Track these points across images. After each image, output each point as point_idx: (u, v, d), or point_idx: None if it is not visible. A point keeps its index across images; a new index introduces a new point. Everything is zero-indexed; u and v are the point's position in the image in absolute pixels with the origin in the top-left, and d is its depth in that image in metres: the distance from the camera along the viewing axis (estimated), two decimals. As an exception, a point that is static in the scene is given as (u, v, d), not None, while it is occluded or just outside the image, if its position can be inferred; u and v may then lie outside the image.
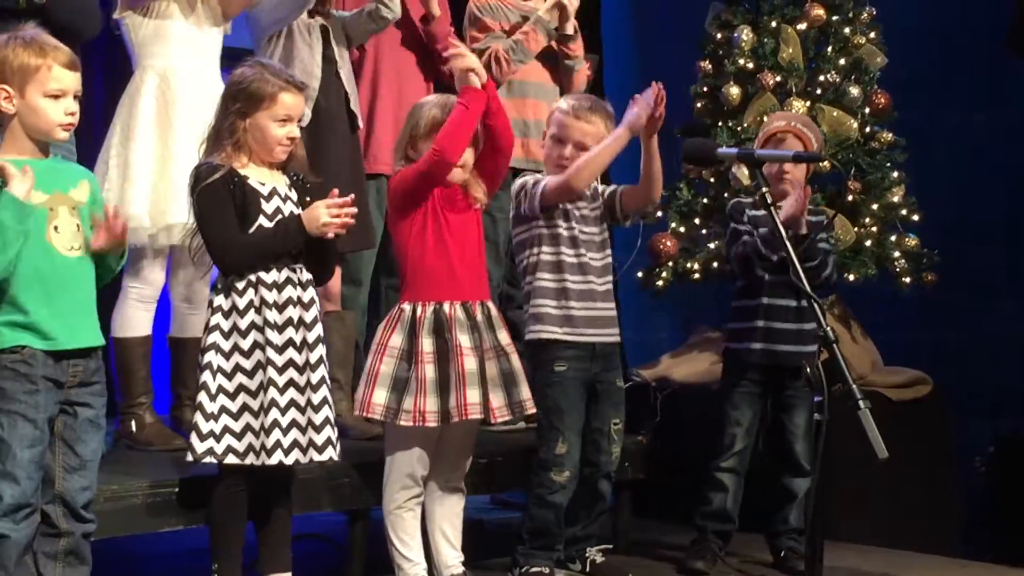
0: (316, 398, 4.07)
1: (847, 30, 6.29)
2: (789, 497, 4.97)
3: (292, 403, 4.04)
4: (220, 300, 4.07)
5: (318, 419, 4.06)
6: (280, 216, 4.09)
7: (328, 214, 4.04)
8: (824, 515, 3.49)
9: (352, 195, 4.14)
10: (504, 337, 4.45)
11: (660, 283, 6.27)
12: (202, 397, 4.00)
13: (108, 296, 4.29)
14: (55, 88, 3.66)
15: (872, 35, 6.32)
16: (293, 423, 4.03)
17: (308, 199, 4.19)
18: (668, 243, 6.25)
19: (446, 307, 4.35)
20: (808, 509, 4.84)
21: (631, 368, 5.66)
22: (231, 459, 3.99)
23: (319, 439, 4.05)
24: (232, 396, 4.03)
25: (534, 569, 4.64)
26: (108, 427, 4.11)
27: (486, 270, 4.59)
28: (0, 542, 3.59)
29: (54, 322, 3.65)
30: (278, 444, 3.99)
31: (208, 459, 3.98)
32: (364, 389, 4.35)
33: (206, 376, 4.02)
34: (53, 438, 3.71)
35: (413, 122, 4.45)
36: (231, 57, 4.96)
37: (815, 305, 3.50)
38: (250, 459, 4.00)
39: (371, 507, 4.68)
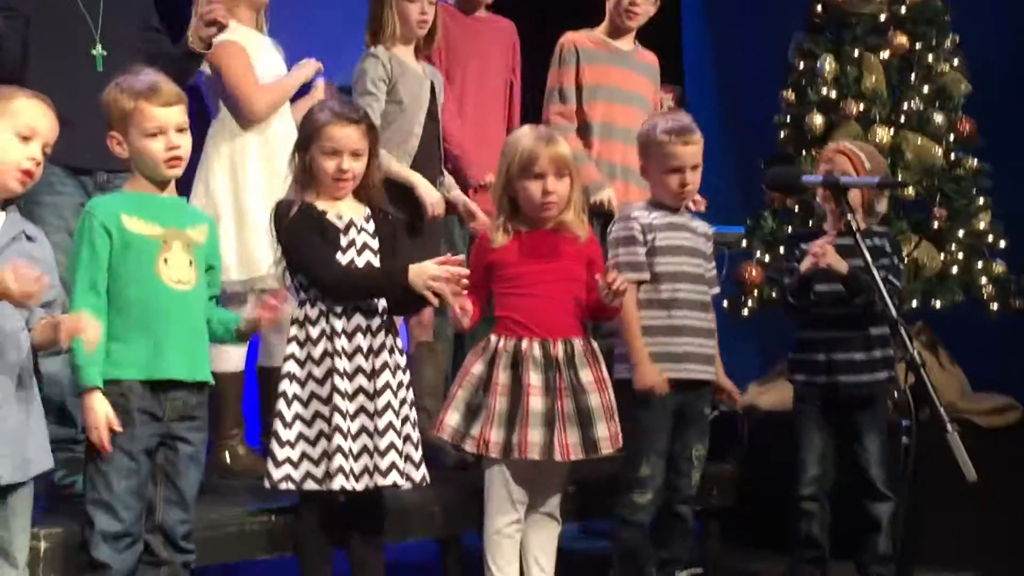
0: (381, 424, 4.09)
1: (931, 57, 6.29)
2: (873, 524, 4.95)
3: (362, 429, 4.08)
4: (295, 331, 4.13)
5: (383, 444, 4.08)
6: (354, 246, 4.15)
7: (440, 273, 4.04)
8: (912, 541, 3.49)
9: (461, 256, 4.19)
10: (587, 375, 4.40)
11: (746, 312, 6.29)
12: (277, 425, 4.07)
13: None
14: (152, 127, 3.74)
15: (956, 62, 6.32)
16: (363, 448, 4.07)
17: (385, 231, 4.24)
18: (753, 272, 6.27)
19: (524, 344, 4.36)
20: (895, 534, 4.84)
21: (717, 397, 5.67)
22: (310, 485, 4.04)
23: (383, 464, 4.07)
24: (308, 423, 4.08)
25: (627, 594, 4.69)
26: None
27: (580, 308, 4.48)
28: (103, 570, 3.67)
29: (153, 353, 3.71)
30: (340, 469, 4.00)
31: (285, 485, 4.05)
32: (443, 410, 4.42)
33: (281, 404, 4.09)
34: (155, 470, 3.80)
35: (508, 160, 4.43)
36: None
37: (902, 330, 3.51)
38: (325, 484, 4.03)
39: (462, 533, 4.74)
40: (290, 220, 4.10)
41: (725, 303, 6.26)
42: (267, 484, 4.07)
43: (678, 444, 4.76)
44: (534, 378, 4.34)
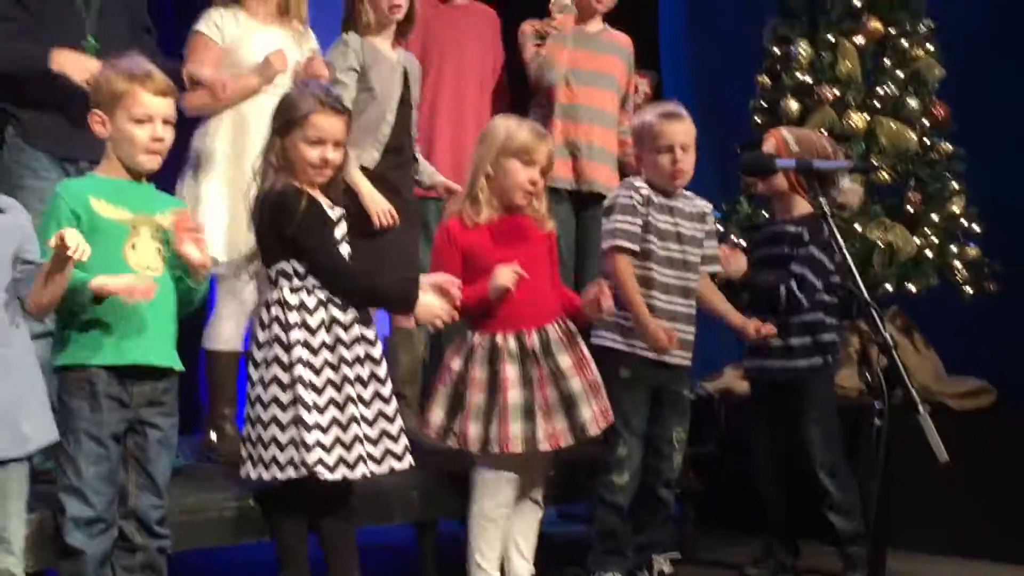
0: (369, 413, 4.12)
1: (905, 42, 6.31)
2: (825, 506, 5.01)
3: (363, 417, 4.10)
4: (279, 313, 4.08)
5: (374, 433, 4.11)
6: (344, 240, 4.16)
7: (443, 315, 4.14)
8: (885, 523, 3.51)
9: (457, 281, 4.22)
10: (564, 360, 4.42)
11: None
12: (297, 411, 4.02)
13: (201, 310, 4.41)
14: (140, 113, 3.74)
15: (930, 47, 6.34)
16: (337, 440, 4.04)
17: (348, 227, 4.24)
18: (729, 257, 6.28)
19: (498, 339, 4.38)
20: (846, 512, 4.90)
21: (695, 381, 5.69)
22: (279, 474, 4.03)
23: (376, 452, 4.11)
24: (322, 411, 4.04)
25: (607, 575, 4.70)
26: (191, 438, 4.19)
27: (551, 294, 4.54)
28: (77, 556, 3.68)
29: (120, 340, 3.70)
30: (320, 460, 3.99)
31: (258, 474, 4.06)
32: (427, 408, 4.45)
33: (258, 390, 4.08)
34: (126, 456, 3.80)
35: (494, 143, 4.44)
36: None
37: (873, 312, 3.53)
38: (290, 472, 4.01)
39: (439, 519, 4.76)
40: (303, 213, 4.03)
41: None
42: (243, 473, 4.08)
43: (658, 427, 4.79)
44: (510, 371, 4.36)
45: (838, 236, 3.60)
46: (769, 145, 5.07)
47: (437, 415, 4.42)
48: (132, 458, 3.81)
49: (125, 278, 3.61)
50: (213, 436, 4.83)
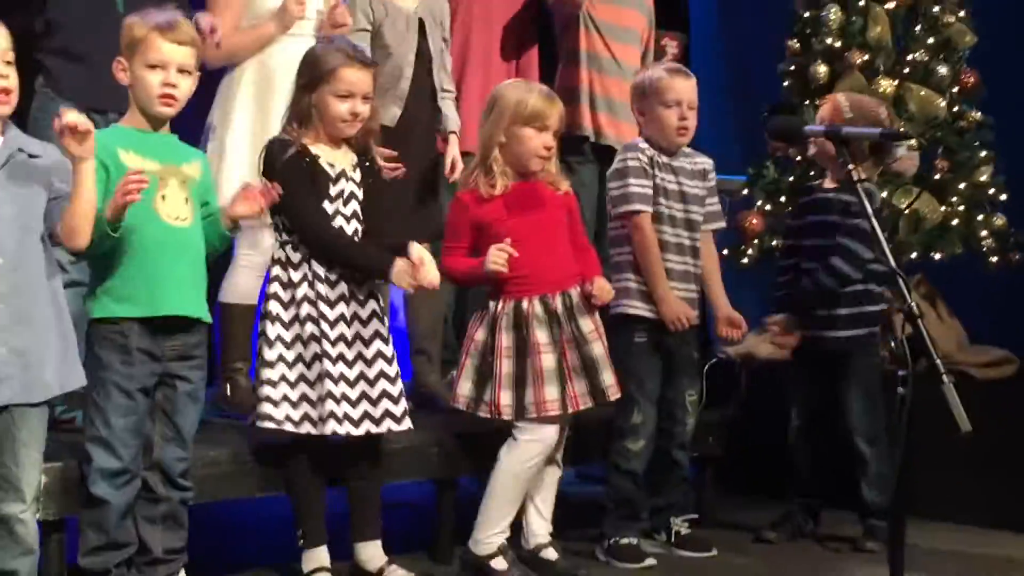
0: (371, 372, 4.14)
1: (936, 8, 6.25)
2: (859, 474, 5.01)
3: (342, 376, 4.11)
4: (276, 270, 4.16)
5: (374, 392, 4.14)
6: (342, 196, 4.16)
7: (415, 283, 4.11)
8: (907, 492, 3.50)
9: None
10: (587, 324, 4.43)
11: (746, 260, 6.30)
12: (260, 366, 4.11)
13: (221, 262, 4.42)
14: (155, 59, 3.74)
15: (961, 13, 6.29)
16: (344, 396, 4.09)
17: (371, 182, 4.24)
18: (754, 221, 6.28)
19: (524, 304, 4.37)
20: (889, 485, 4.89)
21: (716, 344, 5.68)
22: (288, 427, 4.08)
23: (376, 412, 4.13)
24: (290, 366, 4.11)
25: (623, 540, 4.72)
26: (209, 390, 4.21)
27: (572, 257, 4.53)
28: (101, 506, 3.72)
29: (152, 290, 3.73)
30: (332, 414, 4.05)
31: (266, 424, 4.08)
32: (455, 381, 4.46)
33: (263, 345, 4.12)
34: (153, 408, 3.82)
35: (506, 110, 4.40)
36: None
37: (900, 280, 3.51)
38: (306, 428, 4.09)
39: (459, 476, 4.77)
40: (284, 163, 4.10)
41: (725, 251, 6.26)
42: (249, 420, 4.11)
43: (671, 390, 4.81)
44: (540, 335, 4.35)
45: (867, 203, 3.57)
46: (825, 110, 5.03)
47: (465, 387, 4.41)
48: (160, 410, 3.84)
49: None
50: (228, 388, 4.85)
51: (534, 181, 4.45)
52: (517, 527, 4.54)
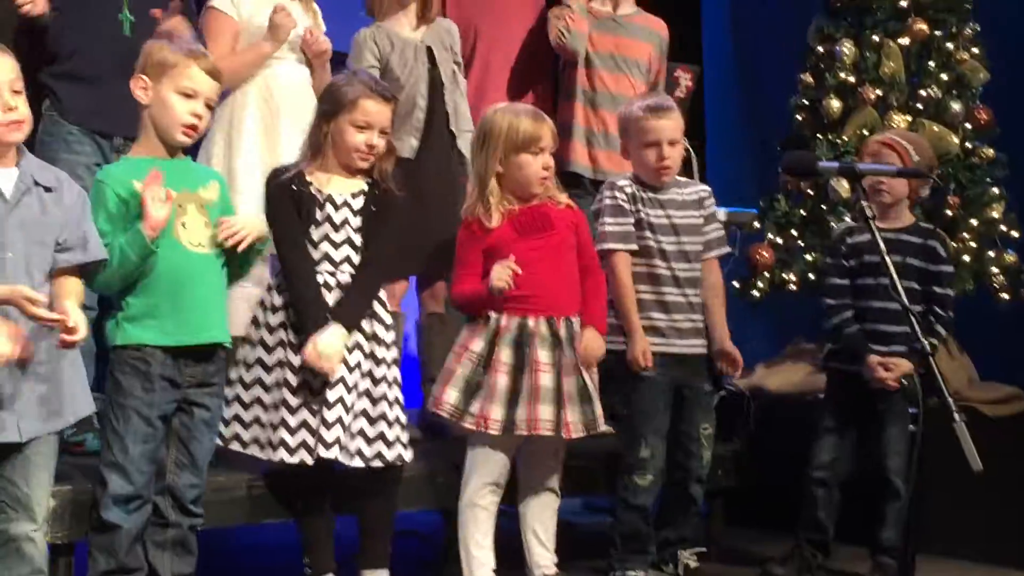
0: (331, 396, 4.07)
1: (950, 45, 6.27)
2: (881, 513, 4.99)
3: (304, 404, 4.08)
4: (265, 295, 4.21)
5: (331, 417, 4.05)
6: (330, 222, 4.15)
7: (327, 369, 4.02)
8: (918, 529, 3.50)
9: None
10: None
11: (756, 293, 6.29)
12: (234, 386, 4.15)
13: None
14: (188, 87, 3.76)
15: (975, 50, 6.30)
16: (303, 423, 4.06)
17: (375, 209, 4.21)
18: (765, 254, 6.27)
19: (530, 322, 4.37)
20: (902, 521, 4.86)
21: (726, 377, 5.68)
22: (253, 451, 4.11)
23: (328, 437, 4.03)
24: (267, 390, 4.12)
25: (629, 573, 4.70)
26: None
27: (577, 282, 4.52)
28: (112, 531, 3.72)
29: (175, 317, 3.75)
30: (283, 442, 4.03)
31: (233, 445, 4.11)
32: (439, 386, 4.40)
33: (239, 367, 4.16)
34: (169, 434, 3.83)
35: (500, 137, 4.38)
36: (338, 62, 5.04)
37: (912, 318, 3.52)
38: (253, 450, 4.12)
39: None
40: (271, 189, 4.16)
41: (736, 284, 6.27)
42: (218, 441, 4.10)
43: (684, 424, 4.79)
44: (543, 355, 4.35)
45: (880, 240, 3.59)
46: (892, 158, 4.93)
47: (451, 395, 4.36)
48: (175, 436, 3.86)
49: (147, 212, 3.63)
50: None
51: (538, 203, 4.46)
52: (519, 559, 4.53)
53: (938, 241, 5.01)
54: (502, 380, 4.33)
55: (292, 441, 4.04)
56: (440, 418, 4.45)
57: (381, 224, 4.22)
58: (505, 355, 4.35)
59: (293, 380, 4.08)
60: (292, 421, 4.05)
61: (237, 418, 4.13)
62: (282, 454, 4.03)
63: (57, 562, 3.78)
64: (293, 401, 4.06)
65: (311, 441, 4.04)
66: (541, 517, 4.55)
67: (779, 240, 6.33)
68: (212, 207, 3.88)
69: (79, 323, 3.39)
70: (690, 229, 4.80)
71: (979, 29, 6.35)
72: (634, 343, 4.65)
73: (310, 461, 4.04)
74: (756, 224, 6.41)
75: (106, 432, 3.76)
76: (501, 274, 4.26)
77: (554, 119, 4.78)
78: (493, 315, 4.37)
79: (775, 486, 5.26)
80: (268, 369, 4.13)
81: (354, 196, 4.20)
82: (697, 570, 4.91)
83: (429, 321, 5.26)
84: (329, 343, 4.01)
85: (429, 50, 5.16)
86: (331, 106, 4.17)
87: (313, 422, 4.05)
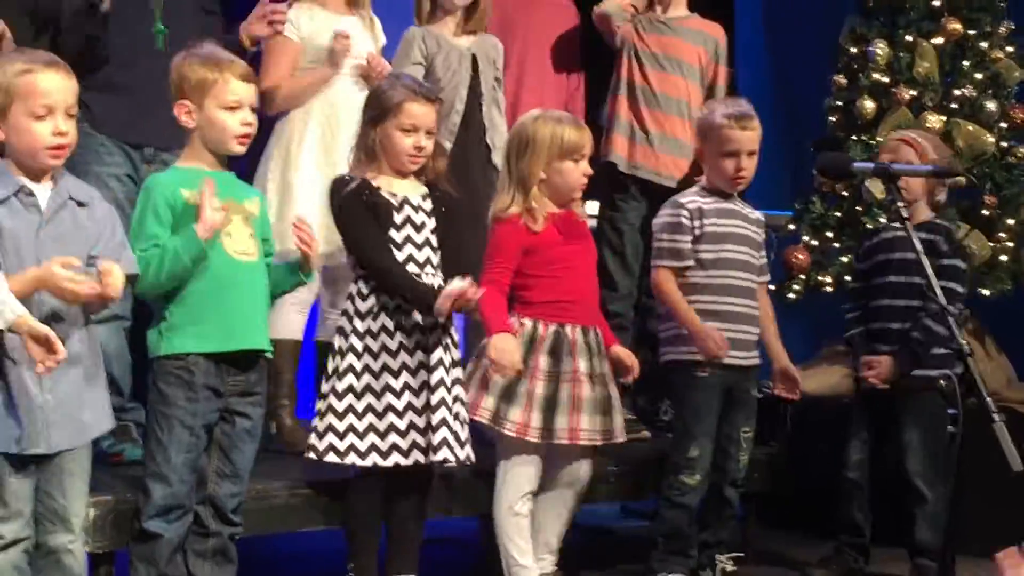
0: (434, 399, 4.12)
1: (984, 44, 6.24)
2: (911, 515, 4.97)
3: (409, 406, 4.13)
4: (348, 304, 4.20)
5: (435, 420, 4.11)
6: (410, 223, 4.18)
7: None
8: (957, 531, 3.48)
9: None
10: (605, 366, 4.49)
11: (792, 295, 6.28)
12: (329, 397, 4.13)
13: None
14: (232, 100, 3.77)
15: (1010, 49, 6.27)
16: (411, 425, 4.11)
17: (443, 210, 4.27)
18: (800, 256, 6.25)
19: (568, 330, 4.40)
20: (939, 524, 4.84)
21: (761, 380, 5.67)
22: (352, 459, 4.09)
23: (435, 440, 4.09)
24: (359, 396, 4.13)
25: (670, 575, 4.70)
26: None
27: (598, 294, 4.63)
28: (153, 540, 3.73)
29: (218, 323, 3.76)
30: (395, 446, 4.08)
31: (330, 456, 4.09)
32: (474, 391, 4.39)
33: (332, 377, 4.15)
34: (210, 443, 3.84)
35: (545, 142, 4.41)
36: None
37: (951, 319, 3.50)
38: (372, 459, 4.09)
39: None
40: (342, 197, 4.15)
41: (772, 286, 6.24)
42: (311, 455, 4.10)
43: (727, 426, 4.79)
44: (582, 364, 4.39)
45: (916, 240, 3.57)
46: (910, 154, 4.95)
47: (489, 400, 4.37)
48: (217, 446, 3.87)
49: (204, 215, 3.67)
50: (273, 427, 4.85)
51: (569, 210, 4.49)
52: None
53: (941, 235, 4.98)
54: (540, 387, 4.35)
55: (404, 443, 4.09)
56: (477, 424, 4.45)
57: (450, 226, 4.29)
58: (543, 363, 4.37)
59: (395, 384, 4.12)
60: (400, 424, 4.10)
61: (331, 429, 4.10)
62: (396, 458, 4.08)
63: (98, 571, 3.81)
64: (399, 404, 4.11)
65: (422, 442, 4.10)
66: (552, 521, 4.55)
67: (814, 242, 6.31)
68: (255, 220, 3.90)
69: (117, 281, 3.38)
70: (751, 242, 4.83)
71: (1014, 27, 6.31)
72: (704, 338, 4.63)
73: (424, 461, 4.10)
74: (791, 226, 6.39)
75: (150, 442, 3.78)
76: (505, 368, 4.26)
77: (585, 117, 4.83)
78: (528, 321, 4.39)
79: (811, 489, 5.24)
80: (358, 375, 4.13)
81: (424, 198, 4.25)
82: (734, 574, 4.89)
83: (477, 326, 5.25)
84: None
85: (474, 58, 5.21)
86: (377, 111, 4.20)
87: (420, 423, 4.11)
